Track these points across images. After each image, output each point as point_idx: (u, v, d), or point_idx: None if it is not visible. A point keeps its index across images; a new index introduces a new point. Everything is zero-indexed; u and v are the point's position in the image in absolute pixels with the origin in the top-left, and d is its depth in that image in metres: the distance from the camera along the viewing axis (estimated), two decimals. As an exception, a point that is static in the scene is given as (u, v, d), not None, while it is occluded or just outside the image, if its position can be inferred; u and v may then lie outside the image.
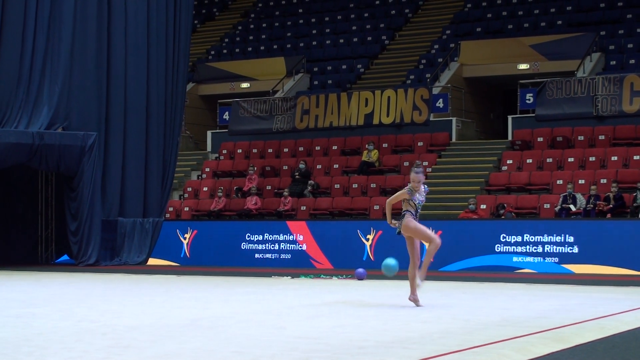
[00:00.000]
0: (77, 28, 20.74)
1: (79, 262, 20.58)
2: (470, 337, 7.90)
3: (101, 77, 21.28)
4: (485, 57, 27.77)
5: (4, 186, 21.57)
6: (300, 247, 20.64)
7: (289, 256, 20.71)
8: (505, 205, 20.76)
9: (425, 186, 10.83)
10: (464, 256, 19.16)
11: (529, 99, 24.57)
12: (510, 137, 24.56)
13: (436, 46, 29.90)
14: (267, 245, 21.08)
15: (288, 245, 20.83)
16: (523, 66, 27.13)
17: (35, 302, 11.63)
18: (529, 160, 22.87)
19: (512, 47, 27.46)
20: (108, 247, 21.19)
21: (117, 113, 21.55)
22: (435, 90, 26.13)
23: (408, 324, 8.99)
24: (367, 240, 19.76)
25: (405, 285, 15.11)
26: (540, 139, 23.57)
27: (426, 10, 33.19)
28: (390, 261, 11.14)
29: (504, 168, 23.10)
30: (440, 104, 25.45)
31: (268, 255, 21.00)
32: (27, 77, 20.02)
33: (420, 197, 10.68)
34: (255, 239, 21.23)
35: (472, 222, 20.02)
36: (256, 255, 21.14)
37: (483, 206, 21.35)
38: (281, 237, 20.94)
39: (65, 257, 22.00)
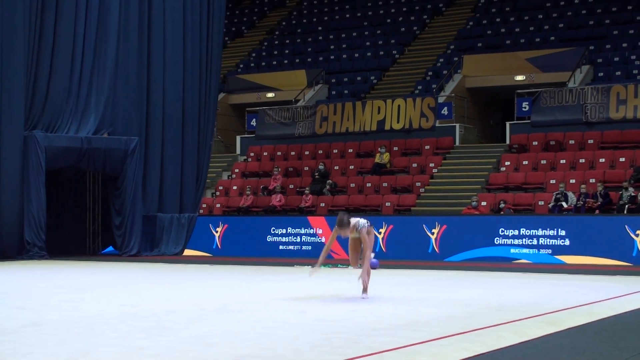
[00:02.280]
0: (120, 46, 20.84)
1: (122, 253, 20.65)
2: (472, 320, 7.87)
3: (142, 89, 21.36)
4: (486, 70, 27.65)
5: (56, 185, 21.65)
6: (319, 239, 20.62)
7: (309, 248, 20.70)
8: (506, 201, 20.68)
9: (367, 223, 9.80)
10: (467, 248, 19.09)
11: (525, 107, 24.46)
12: (508, 141, 24.44)
13: (441, 60, 29.81)
14: (290, 238, 21.08)
15: (309, 238, 20.82)
16: (520, 77, 27.00)
17: (84, 288, 11.67)
18: (525, 162, 22.76)
19: (509, 60, 27.33)
20: (148, 240, 21.25)
21: (156, 120, 21.63)
22: (441, 99, 26.05)
23: (416, 308, 8.97)
24: (380, 233, 19.72)
25: (414, 274, 15.10)
26: (535, 143, 23.45)
27: (433, 28, 33.09)
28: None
29: (503, 169, 22.99)
30: (445, 111, 25.37)
31: (291, 247, 21.00)
32: (77, 89, 20.13)
33: (354, 235, 9.82)
34: (280, 233, 21.23)
35: (474, 217, 19.94)
36: (280, 247, 21.14)
37: (484, 203, 21.26)
38: (302, 231, 20.93)
39: (110, 248, 22.07)
